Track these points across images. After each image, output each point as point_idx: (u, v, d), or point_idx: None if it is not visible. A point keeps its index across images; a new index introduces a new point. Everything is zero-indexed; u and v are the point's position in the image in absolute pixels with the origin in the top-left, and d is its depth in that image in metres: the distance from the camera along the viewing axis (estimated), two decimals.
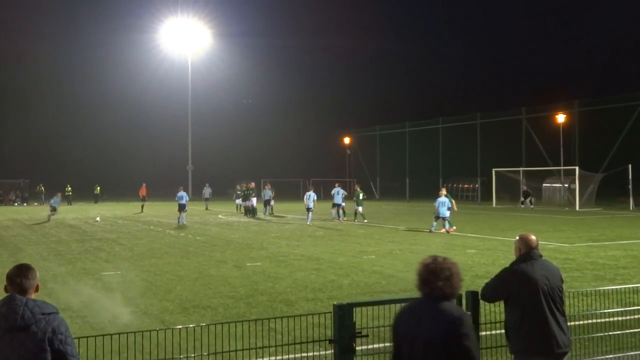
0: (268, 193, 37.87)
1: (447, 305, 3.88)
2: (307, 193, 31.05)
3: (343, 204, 31.48)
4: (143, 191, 43.17)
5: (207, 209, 42.99)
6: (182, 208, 30.66)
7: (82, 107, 77.87)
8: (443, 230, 24.52)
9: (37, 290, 4.14)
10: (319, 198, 35.04)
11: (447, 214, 24.87)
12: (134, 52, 74.54)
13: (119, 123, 76.79)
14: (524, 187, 46.00)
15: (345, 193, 33.13)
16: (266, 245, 20.57)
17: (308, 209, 30.08)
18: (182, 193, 31.34)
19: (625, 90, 47.78)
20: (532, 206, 43.59)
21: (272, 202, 38.00)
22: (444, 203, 25.03)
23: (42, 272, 14.77)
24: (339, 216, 31.24)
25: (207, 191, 45.41)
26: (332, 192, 32.09)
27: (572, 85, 71.16)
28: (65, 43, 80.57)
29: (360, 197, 31.14)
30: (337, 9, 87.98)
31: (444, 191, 26.13)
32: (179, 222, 30.08)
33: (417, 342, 3.81)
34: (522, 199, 44.79)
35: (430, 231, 24.69)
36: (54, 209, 33.72)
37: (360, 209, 30.94)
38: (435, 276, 3.90)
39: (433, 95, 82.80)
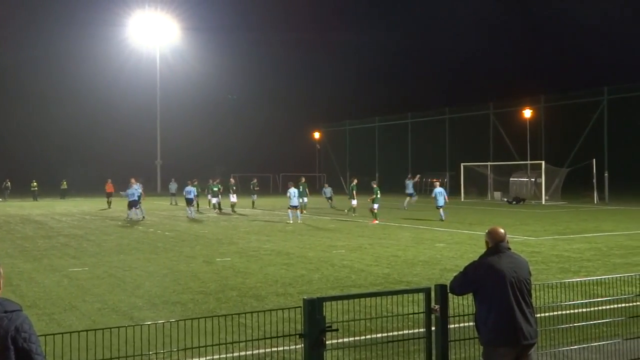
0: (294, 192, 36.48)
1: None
2: (291, 190, 28.23)
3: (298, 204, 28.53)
4: (109, 187, 42.49)
5: (175, 204, 42.67)
6: (189, 202, 31.31)
7: (48, 101, 76.67)
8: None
9: None
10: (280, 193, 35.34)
11: (443, 203, 27.53)
12: (101, 45, 73.50)
13: (86, 117, 75.81)
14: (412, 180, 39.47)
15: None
16: (236, 240, 20.50)
17: (294, 207, 27.49)
18: (190, 188, 31.78)
19: (590, 86, 48.70)
20: (414, 199, 38.95)
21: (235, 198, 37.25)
22: (441, 193, 27.60)
23: (8, 269, 14.51)
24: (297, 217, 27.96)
25: (173, 186, 45.01)
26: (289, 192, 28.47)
27: (539, 81, 72.33)
28: (31, 36, 79.19)
29: (354, 191, 31.03)
30: (306, 3, 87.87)
31: (438, 182, 28.83)
32: (189, 215, 30.66)
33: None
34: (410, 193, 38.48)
35: (442, 220, 26.62)
36: (133, 205, 29.71)
37: (354, 202, 30.96)
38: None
39: (402, 90, 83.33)
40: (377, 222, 26.25)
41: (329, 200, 38.11)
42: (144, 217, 29.83)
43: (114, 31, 68.65)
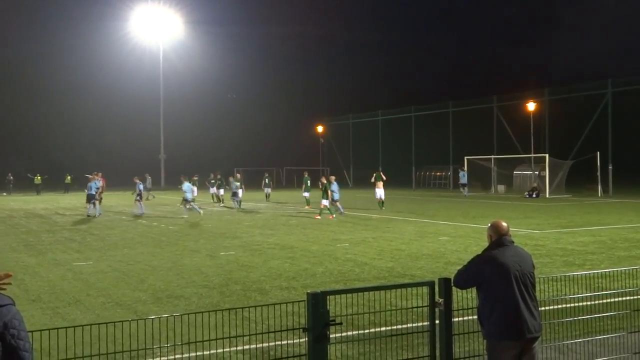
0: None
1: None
2: (189, 184, 28.74)
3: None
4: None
5: (153, 197, 43.20)
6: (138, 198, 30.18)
7: (52, 95, 76.56)
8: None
9: None
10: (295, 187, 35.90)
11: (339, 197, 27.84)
12: (104, 40, 73.46)
13: (89, 112, 75.75)
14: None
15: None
16: (239, 234, 20.51)
17: (187, 200, 28.01)
18: (140, 184, 30.70)
19: (594, 78, 48.53)
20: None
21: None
22: (337, 186, 27.93)
23: (12, 263, 14.56)
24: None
25: (148, 180, 44.70)
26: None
27: (542, 73, 72.09)
28: (34, 31, 79.12)
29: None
30: None
31: (333, 177, 28.89)
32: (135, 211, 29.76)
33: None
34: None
35: (342, 213, 27.10)
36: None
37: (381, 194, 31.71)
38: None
39: (406, 83, 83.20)
40: (333, 217, 26.30)
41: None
42: (95, 215, 28.27)
43: (117, 25, 68.66)
